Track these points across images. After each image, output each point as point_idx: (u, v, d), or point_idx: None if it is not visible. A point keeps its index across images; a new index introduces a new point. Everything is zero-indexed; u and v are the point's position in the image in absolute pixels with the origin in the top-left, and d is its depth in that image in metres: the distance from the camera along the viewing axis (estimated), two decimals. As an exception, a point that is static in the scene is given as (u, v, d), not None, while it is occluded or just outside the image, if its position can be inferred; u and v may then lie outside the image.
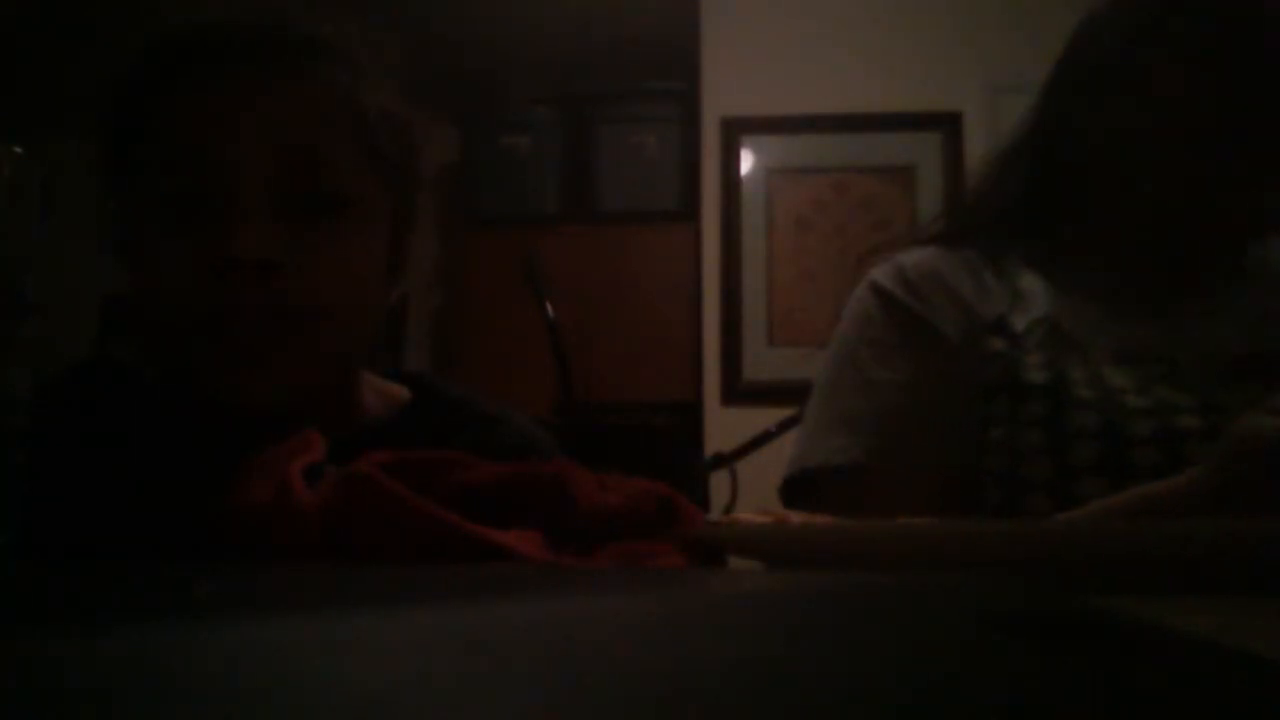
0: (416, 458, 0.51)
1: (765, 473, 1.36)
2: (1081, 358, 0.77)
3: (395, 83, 0.70)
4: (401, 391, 0.76)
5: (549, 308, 2.11)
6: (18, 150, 0.56)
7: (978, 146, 2.58)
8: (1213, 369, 0.75)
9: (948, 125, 2.73)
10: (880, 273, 0.87)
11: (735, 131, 2.82)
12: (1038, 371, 0.77)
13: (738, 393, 2.74)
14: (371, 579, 0.29)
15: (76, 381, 0.69)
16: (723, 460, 1.89)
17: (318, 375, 0.64)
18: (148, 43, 0.67)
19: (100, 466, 0.61)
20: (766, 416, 1.93)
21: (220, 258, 0.59)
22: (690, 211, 2.96)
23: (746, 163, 2.83)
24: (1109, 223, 0.85)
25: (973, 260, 0.85)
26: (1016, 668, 0.18)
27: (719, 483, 1.92)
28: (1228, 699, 0.17)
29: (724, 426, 2.61)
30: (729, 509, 1.78)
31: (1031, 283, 0.83)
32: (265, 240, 0.60)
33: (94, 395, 0.68)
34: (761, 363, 2.72)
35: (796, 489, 0.83)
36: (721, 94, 2.84)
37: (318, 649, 0.12)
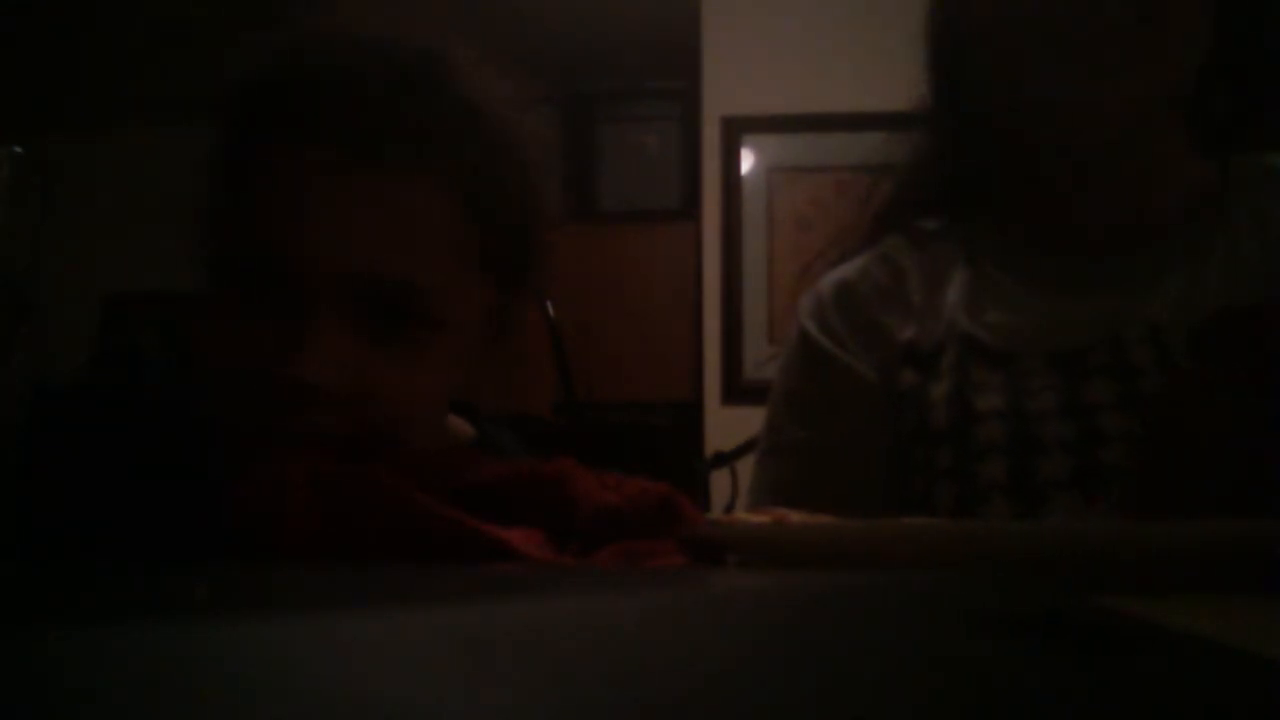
0: (420, 456, 0.51)
1: (765, 472, 1.34)
2: (999, 378, 0.70)
3: (535, 133, 0.62)
4: (465, 426, 0.71)
5: (549, 308, 2.11)
6: (18, 150, 0.56)
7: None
8: (1171, 341, 0.68)
9: (948, 125, 2.73)
10: (805, 307, 0.83)
11: (736, 130, 2.82)
12: (943, 409, 0.71)
13: (738, 393, 2.74)
14: (371, 579, 0.29)
15: (102, 376, 0.68)
16: (723, 460, 1.89)
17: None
18: (259, 70, 0.58)
19: (106, 465, 0.61)
20: (766, 416, 1.93)
21: (284, 378, 0.52)
22: (691, 211, 2.96)
23: (747, 162, 2.82)
24: (1034, 185, 0.78)
25: (900, 265, 0.80)
26: (1016, 668, 0.18)
27: (719, 483, 1.92)
28: (1228, 699, 0.17)
29: (724, 426, 2.61)
30: (729, 509, 1.78)
31: (957, 288, 0.77)
32: (335, 362, 0.53)
33: (111, 394, 0.67)
34: (761, 363, 2.72)
35: None
36: (722, 93, 2.84)
37: (318, 649, 0.12)
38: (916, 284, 0.79)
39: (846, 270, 0.84)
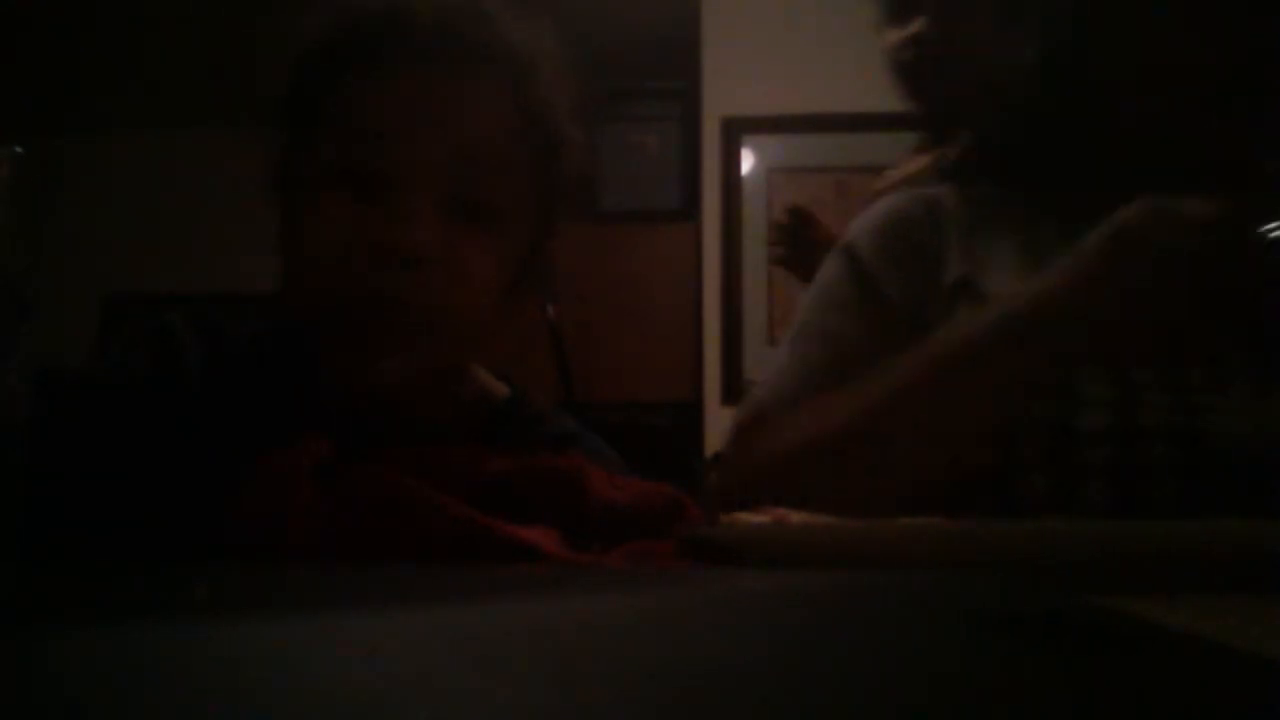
0: (435, 455, 0.51)
1: (765, 472, 1.34)
2: None
3: (573, 83, 0.69)
4: (500, 386, 0.77)
5: (549, 307, 2.11)
6: (18, 150, 0.56)
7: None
8: None
9: (948, 125, 2.73)
10: (858, 223, 0.86)
11: (735, 131, 2.82)
12: None
13: (738, 393, 2.74)
14: (371, 579, 0.29)
15: (123, 359, 0.68)
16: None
17: (430, 374, 0.65)
18: (338, 14, 0.67)
19: (111, 458, 0.61)
20: (766, 416, 1.93)
21: (388, 248, 0.61)
22: (690, 211, 2.96)
23: (747, 162, 2.82)
24: (1103, 168, 0.81)
25: (953, 206, 0.83)
26: (1016, 667, 0.18)
27: (719, 482, 1.91)
28: (1228, 699, 0.17)
29: (724, 426, 2.60)
30: (729, 509, 1.77)
31: (1016, 242, 0.80)
32: (430, 237, 0.62)
33: (121, 383, 0.67)
34: (761, 363, 2.72)
35: (752, 429, 0.80)
36: (722, 93, 2.84)
37: (318, 649, 0.12)
38: (968, 228, 0.82)
39: (900, 198, 0.86)
